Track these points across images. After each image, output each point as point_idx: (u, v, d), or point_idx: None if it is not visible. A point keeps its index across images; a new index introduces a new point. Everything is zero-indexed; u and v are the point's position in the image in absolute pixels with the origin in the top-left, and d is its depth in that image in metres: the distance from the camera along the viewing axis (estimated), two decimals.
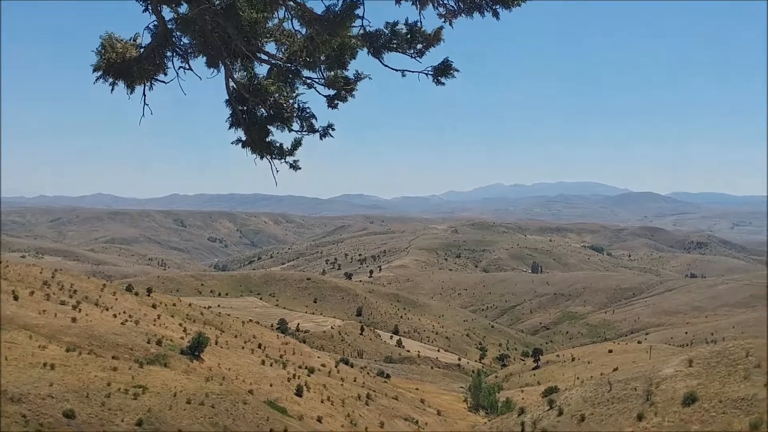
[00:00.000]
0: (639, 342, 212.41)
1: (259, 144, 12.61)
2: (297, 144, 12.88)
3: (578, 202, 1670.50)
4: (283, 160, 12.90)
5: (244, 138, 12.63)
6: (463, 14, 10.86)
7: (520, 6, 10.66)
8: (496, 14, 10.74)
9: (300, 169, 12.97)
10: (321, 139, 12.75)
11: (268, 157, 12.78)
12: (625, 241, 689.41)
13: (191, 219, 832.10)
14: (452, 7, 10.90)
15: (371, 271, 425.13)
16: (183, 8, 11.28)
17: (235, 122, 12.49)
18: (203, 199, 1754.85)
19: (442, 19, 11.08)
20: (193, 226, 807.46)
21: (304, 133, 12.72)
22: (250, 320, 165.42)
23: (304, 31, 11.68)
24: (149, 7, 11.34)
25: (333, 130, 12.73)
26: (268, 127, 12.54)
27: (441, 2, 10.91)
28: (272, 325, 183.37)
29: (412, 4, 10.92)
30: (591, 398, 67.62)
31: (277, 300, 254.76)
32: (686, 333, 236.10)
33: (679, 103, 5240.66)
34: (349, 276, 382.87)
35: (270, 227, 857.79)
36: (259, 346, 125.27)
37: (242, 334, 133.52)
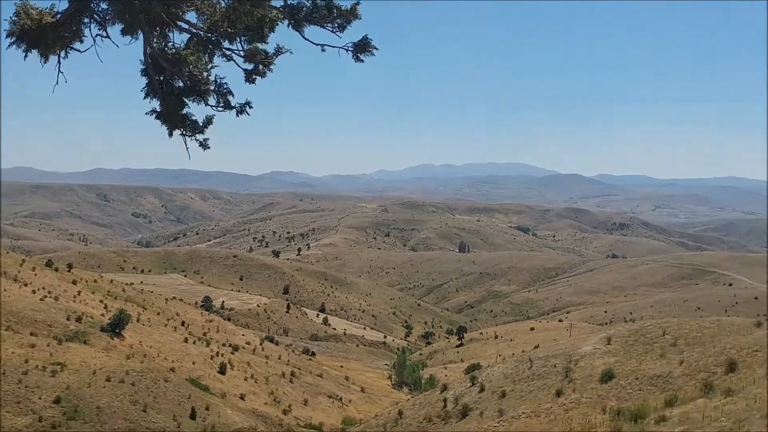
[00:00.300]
0: (560, 320, 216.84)
1: (173, 116, 12.13)
2: (208, 121, 12.40)
3: (506, 183, 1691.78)
4: (194, 137, 12.42)
5: (159, 109, 12.12)
6: None
7: None
8: None
9: (209, 148, 12.56)
10: (237, 116, 12.38)
11: (182, 130, 12.31)
12: (550, 221, 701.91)
13: (115, 194, 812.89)
14: None
15: (299, 249, 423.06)
16: None
17: (150, 92, 11.97)
18: (128, 174, 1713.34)
19: None
20: (117, 201, 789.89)
21: (220, 108, 12.27)
22: (174, 297, 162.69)
23: (225, 1, 11.27)
24: None
25: (250, 107, 12.35)
26: (184, 99, 12.07)
27: None
28: (196, 303, 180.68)
29: None
30: (512, 375, 68.49)
31: (202, 277, 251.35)
32: (606, 312, 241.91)
33: (604, 87, 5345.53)
34: (276, 254, 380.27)
35: (196, 203, 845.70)
36: (183, 323, 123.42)
37: (165, 311, 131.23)
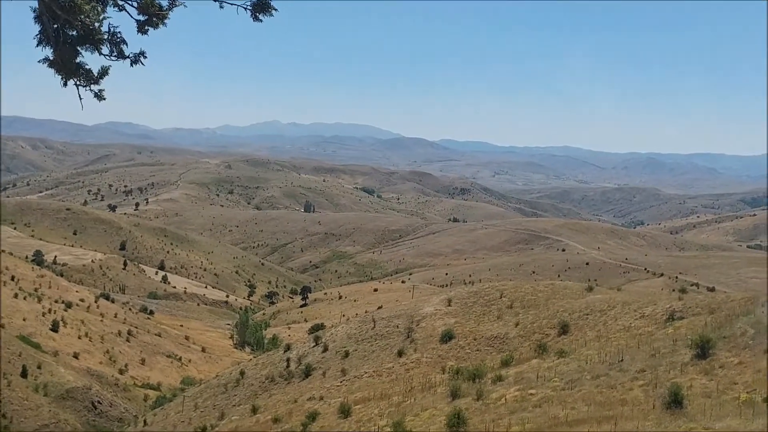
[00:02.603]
0: (403, 281, 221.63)
1: (67, 65, 11.69)
2: (104, 72, 11.97)
3: (353, 144, 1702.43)
4: (88, 87, 11.97)
5: (52, 57, 11.60)
6: None
7: None
8: None
9: (104, 99, 12.12)
10: (132, 65, 11.96)
11: (75, 80, 11.85)
12: (395, 184, 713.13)
13: None
14: None
15: (137, 204, 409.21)
16: None
17: (44, 39, 11.44)
18: None
19: None
20: None
21: (113, 58, 11.86)
22: (3, 251, 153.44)
23: None
24: None
25: (145, 57, 12.01)
26: (78, 48, 11.66)
27: None
28: (27, 257, 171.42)
29: None
30: (355, 335, 69.25)
31: (33, 230, 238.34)
32: (447, 274, 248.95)
33: (450, 54, 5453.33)
34: (113, 208, 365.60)
35: (27, 152, 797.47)
36: (12, 278, 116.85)
37: None
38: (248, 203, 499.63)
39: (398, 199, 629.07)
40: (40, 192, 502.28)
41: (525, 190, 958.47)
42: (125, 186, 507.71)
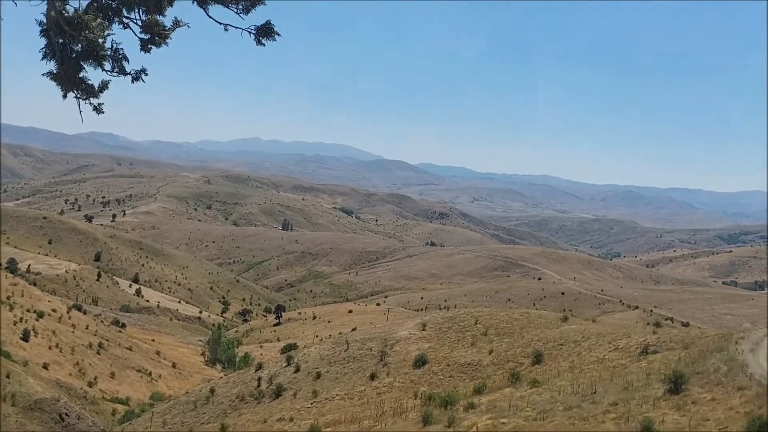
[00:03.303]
0: (378, 304, 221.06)
1: (71, 79, 12.05)
2: (104, 86, 12.36)
3: (333, 163, 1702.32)
4: (88, 101, 12.36)
5: (55, 71, 11.99)
6: None
7: None
8: None
9: (103, 112, 12.51)
10: (133, 82, 12.44)
11: (77, 93, 12.24)
12: (374, 206, 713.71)
13: None
14: None
15: (114, 216, 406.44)
16: None
17: (49, 53, 11.85)
18: None
19: None
20: None
21: (115, 74, 12.26)
22: None
23: None
24: None
25: (146, 74, 12.44)
26: (81, 63, 12.02)
27: None
28: (0, 264, 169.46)
29: None
30: (328, 356, 68.79)
31: (8, 238, 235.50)
32: (422, 298, 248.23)
33: (431, 81, 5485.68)
34: (89, 218, 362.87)
35: (7, 159, 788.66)
36: None
37: None
38: (226, 219, 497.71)
39: (377, 220, 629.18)
40: (17, 200, 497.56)
41: (503, 217, 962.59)
42: (103, 197, 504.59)
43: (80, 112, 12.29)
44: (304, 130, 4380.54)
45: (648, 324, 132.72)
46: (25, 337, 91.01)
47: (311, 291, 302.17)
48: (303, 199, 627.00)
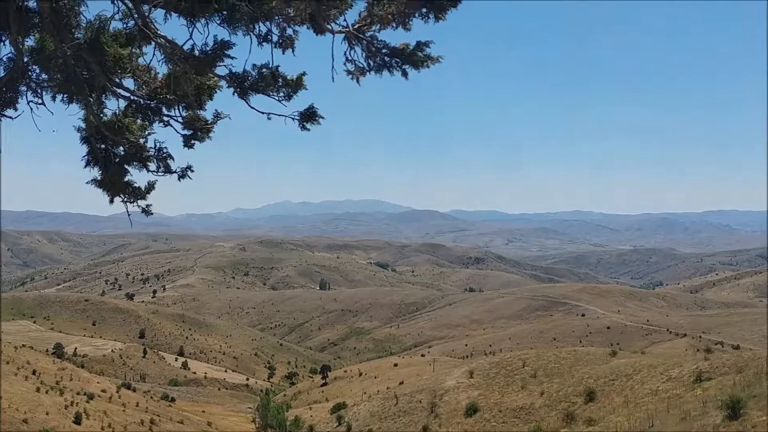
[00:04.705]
0: (423, 355, 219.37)
1: (116, 185, 12.01)
2: (151, 187, 12.27)
3: (363, 219, 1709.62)
4: (136, 203, 12.28)
5: (99, 177, 11.92)
6: (371, 72, 10.63)
7: (428, 67, 10.55)
8: (405, 74, 10.58)
9: (152, 214, 12.43)
10: (179, 180, 12.23)
11: (124, 198, 12.15)
12: (408, 257, 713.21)
13: None
14: (361, 65, 10.61)
15: (155, 291, 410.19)
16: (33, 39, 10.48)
17: (92, 160, 11.77)
18: None
19: (350, 76, 10.73)
20: None
21: (160, 173, 12.15)
22: (24, 345, 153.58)
23: (164, 67, 11.06)
24: (5, 39, 10.40)
25: (192, 171, 12.23)
26: (126, 166, 11.95)
27: (350, 58, 10.60)
28: (47, 350, 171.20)
29: (278, 47, 10.55)
30: (378, 412, 68.62)
31: (53, 323, 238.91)
32: (466, 345, 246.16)
33: (455, 127, 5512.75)
34: (130, 296, 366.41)
35: (44, 246, 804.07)
36: (34, 372, 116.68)
37: (15, 360, 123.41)
38: (264, 284, 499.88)
39: (413, 271, 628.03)
40: (58, 285, 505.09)
41: (540, 256, 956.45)
42: (142, 274, 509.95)
43: (128, 215, 12.22)
44: (333, 190, 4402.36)
45: (698, 350, 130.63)
46: (77, 421, 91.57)
47: (354, 348, 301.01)
48: (337, 257, 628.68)
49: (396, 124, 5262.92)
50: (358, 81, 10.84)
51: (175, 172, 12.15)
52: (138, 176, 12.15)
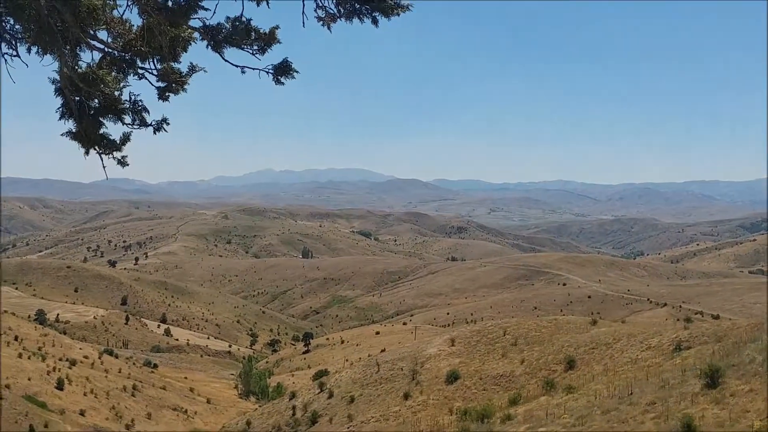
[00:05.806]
0: (404, 323, 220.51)
1: (91, 137, 11.88)
2: (125, 139, 12.14)
3: (347, 188, 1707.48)
4: (111, 155, 12.18)
5: (74, 129, 11.80)
6: (342, 19, 10.65)
7: (398, 15, 10.59)
8: (375, 21, 10.64)
9: (127, 165, 12.37)
10: (154, 133, 12.19)
11: (99, 150, 12.05)
12: (391, 226, 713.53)
13: None
14: (332, 11, 10.58)
15: (137, 258, 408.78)
16: None
17: (66, 113, 11.66)
18: None
19: (321, 23, 10.72)
20: None
21: (135, 126, 12.06)
22: (6, 311, 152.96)
23: (138, 20, 10.99)
24: None
25: (167, 124, 12.16)
26: (101, 119, 11.86)
27: (321, 4, 10.59)
28: (29, 316, 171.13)
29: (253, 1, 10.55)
30: (360, 379, 68.84)
31: (35, 290, 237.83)
32: (448, 313, 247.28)
33: (439, 97, 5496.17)
34: (113, 263, 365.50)
35: (25, 212, 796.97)
36: (16, 338, 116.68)
37: None
38: (246, 252, 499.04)
39: (395, 240, 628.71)
40: (40, 251, 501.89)
41: (522, 226, 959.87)
42: (124, 241, 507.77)
43: (104, 168, 12.11)
44: (316, 158, 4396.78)
45: (678, 320, 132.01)
46: (60, 386, 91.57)
47: (337, 316, 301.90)
48: (320, 226, 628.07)
49: (381, 94, 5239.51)
50: (329, 27, 10.80)
51: (150, 125, 12.09)
52: (113, 129, 12.13)
